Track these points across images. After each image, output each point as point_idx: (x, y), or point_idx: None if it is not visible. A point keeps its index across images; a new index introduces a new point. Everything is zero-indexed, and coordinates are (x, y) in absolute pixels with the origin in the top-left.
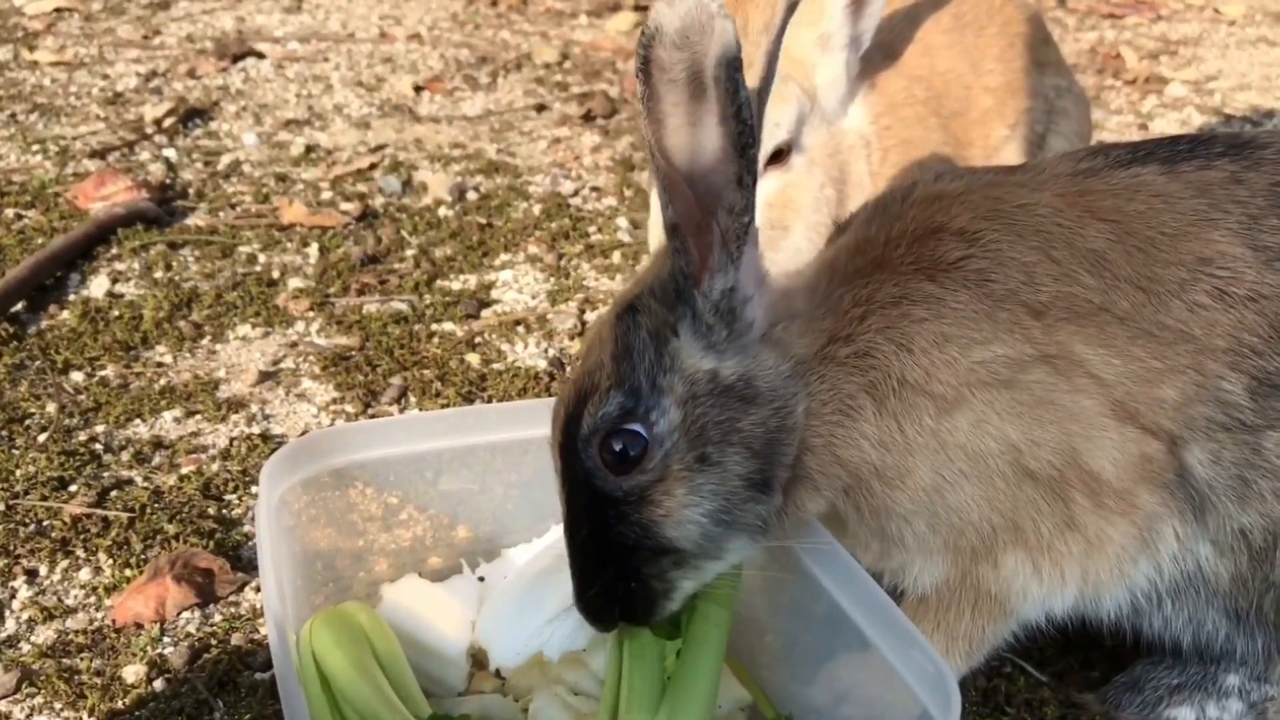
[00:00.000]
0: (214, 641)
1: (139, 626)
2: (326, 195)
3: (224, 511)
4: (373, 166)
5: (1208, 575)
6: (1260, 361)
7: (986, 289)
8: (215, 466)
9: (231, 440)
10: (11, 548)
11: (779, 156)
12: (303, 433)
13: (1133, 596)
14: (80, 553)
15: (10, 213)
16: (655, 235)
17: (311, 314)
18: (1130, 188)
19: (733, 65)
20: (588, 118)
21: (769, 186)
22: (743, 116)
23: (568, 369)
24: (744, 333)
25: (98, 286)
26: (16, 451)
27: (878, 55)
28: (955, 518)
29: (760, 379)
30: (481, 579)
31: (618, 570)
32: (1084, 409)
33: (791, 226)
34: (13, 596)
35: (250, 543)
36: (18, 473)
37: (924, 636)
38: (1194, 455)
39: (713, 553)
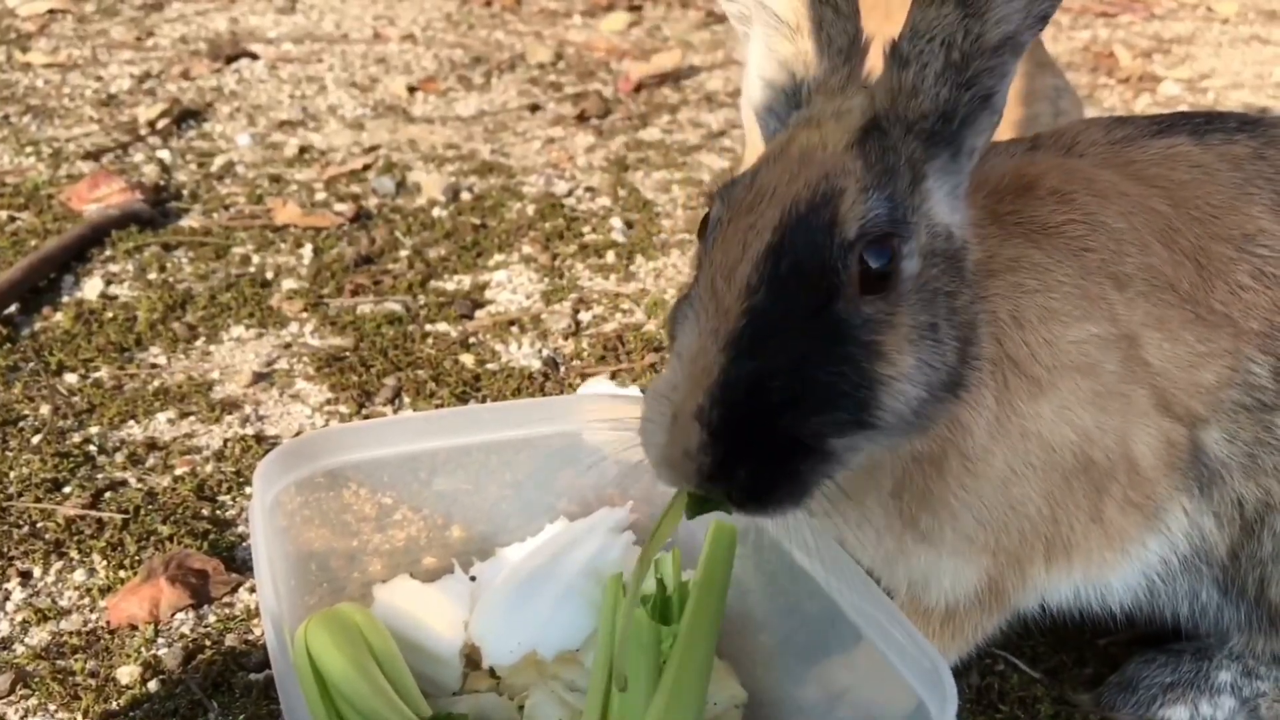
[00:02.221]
0: (208, 642)
1: (133, 628)
2: (320, 196)
3: (218, 512)
4: (366, 167)
5: (1211, 546)
6: None
7: (1083, 260)
8: (209, 468)
9: (225, 441)
10: (5, 549)
11: None
12: (297, 433)
13: (1147, 578)
14: (74, 554)
15: (3, 215)
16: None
17: (305, 315)
18: (1169, 158)
19: None
20: (582, 118)
21: None
22: None
23: (561, 369)
24: (967, 176)
25: (92, 288)
26: (10, 453)
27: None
28: (1009, 512)
29: (968, 256)
30: (473, 578)
31: (789, 417)
32: (1136, 398)
33: None
34: (7, 598)
35: (244, 544)
36: (11, 474)
37: (919, 630)
38: (1211, 435)
39: (881, 442)
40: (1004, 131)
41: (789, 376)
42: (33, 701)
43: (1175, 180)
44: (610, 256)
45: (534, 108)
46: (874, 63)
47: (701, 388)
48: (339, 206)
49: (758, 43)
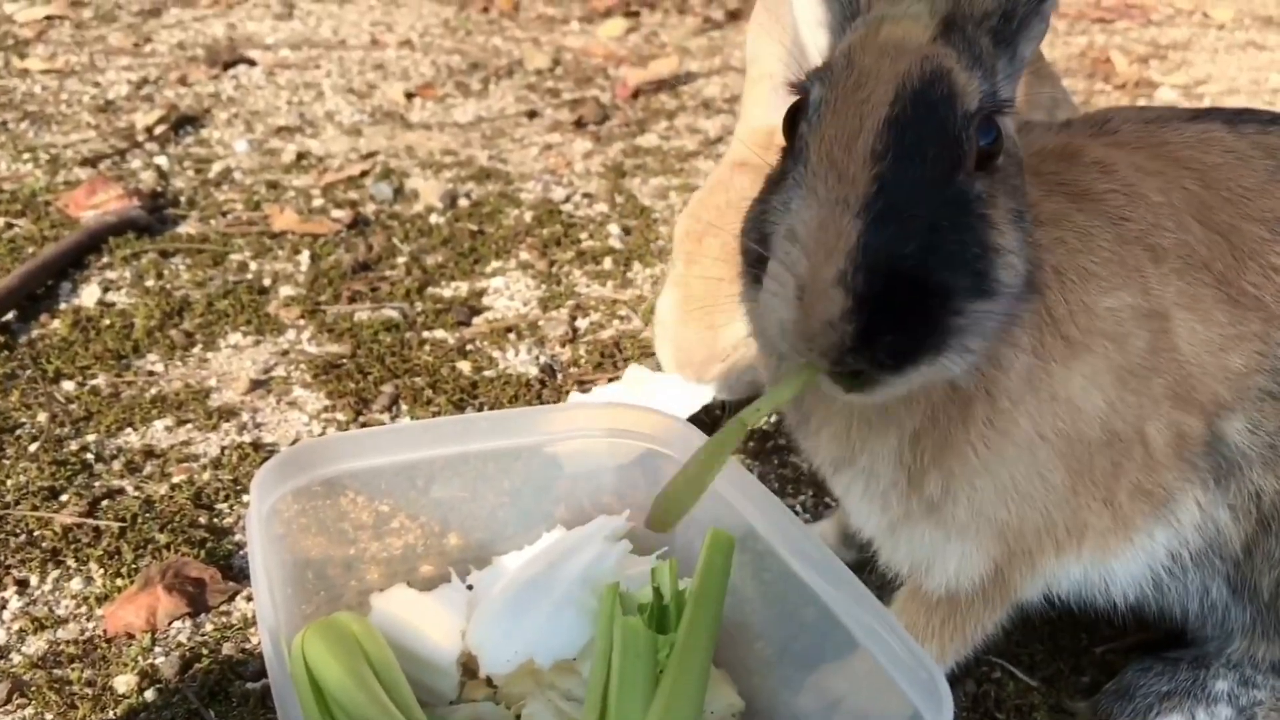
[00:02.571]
0: (205, 651)
1: (130, 636)
2: (318, 202)
3: (215, 520)
4: (364, 173)
5: (1226, 540)
6: None
7: (1123, 229)
8: (206, 475)
9: (223, 449)
10: (2, 558)
11: None
12: (294, 441)
13: (1154, 572)
14: (71, 562)
15: (1, 221)
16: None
17: (303, 321)
18: (1204, 141)
19: None
20: (579, 124)
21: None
22: None
23: (558, 375)
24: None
25: (89, 295)
26: (7, 461)
27: None
28: (1036, 481)
29: (1023, 170)
30: (470, 587)
31: (919, 298)
32: (1156, 384)
33: None
34: (3, 607)
35: (241, 552)
36: (8, 483)
37: (916, 636)
38: (1235, 425)
39: (1005, 294)
40: None
41: (924, 242)
42: (29, 711)
43: (1208, 163)
44: (607, 263)
45: (531, 114)
46: None
47: (840, 253)
48: (336, 213)
49: None
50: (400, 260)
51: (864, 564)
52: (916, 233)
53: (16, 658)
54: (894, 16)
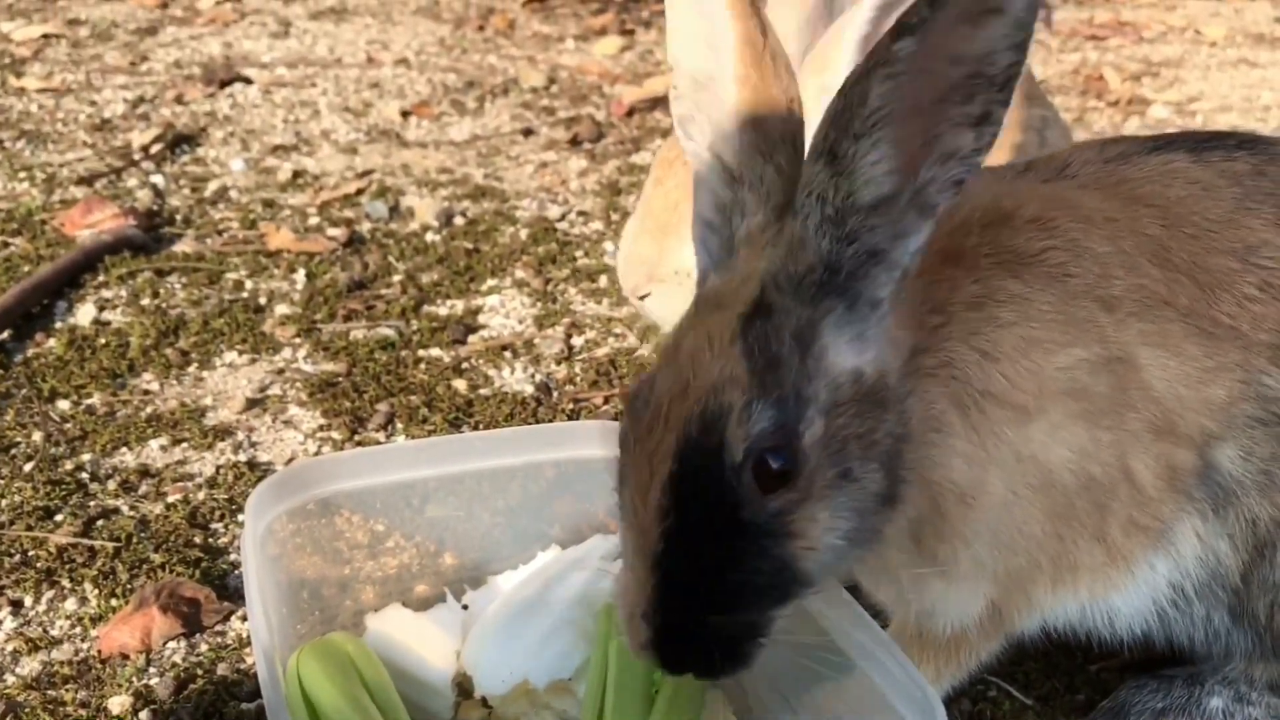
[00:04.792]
0: (200, 671)
1: (125, 657)
2: (314, 221)
3: (210, 540)
4: (360, 192)
5: (1227, 570)
6: None
7: (1067, 285)
8: (202, 495)
9: (218, 468)
10: None
11: None
12: (289, 460)
13: (1157, 604)
14: (66, 583)
15: None
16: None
17: (298, 340)
18: (1165, 174)
19: None
20: (574, 142)
21: None
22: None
23: (554, 394)
24: (882, 316)
25: (84, 314)
26: (2, 481)
27: None
28: (1016, 534)
29: (890, 374)
30: (465, 607)
31: (718, 614)
32: (1133, 420)
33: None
34: None
35: (236, 572)
36: (3, 502)
37: (913, 660)
38: (1226, 453)
39: (818, 583)
40: (994, 157)
41: (712, 586)
42: None
43: (1170, 197)
44: (603, 281)
45: (527, 132)
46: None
47: (641, 597)
48: (332, 231)
49: (700, 184)
50: (396, 278)
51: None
52: (701, 582)
53: (10, 679)
54: (720, 296)
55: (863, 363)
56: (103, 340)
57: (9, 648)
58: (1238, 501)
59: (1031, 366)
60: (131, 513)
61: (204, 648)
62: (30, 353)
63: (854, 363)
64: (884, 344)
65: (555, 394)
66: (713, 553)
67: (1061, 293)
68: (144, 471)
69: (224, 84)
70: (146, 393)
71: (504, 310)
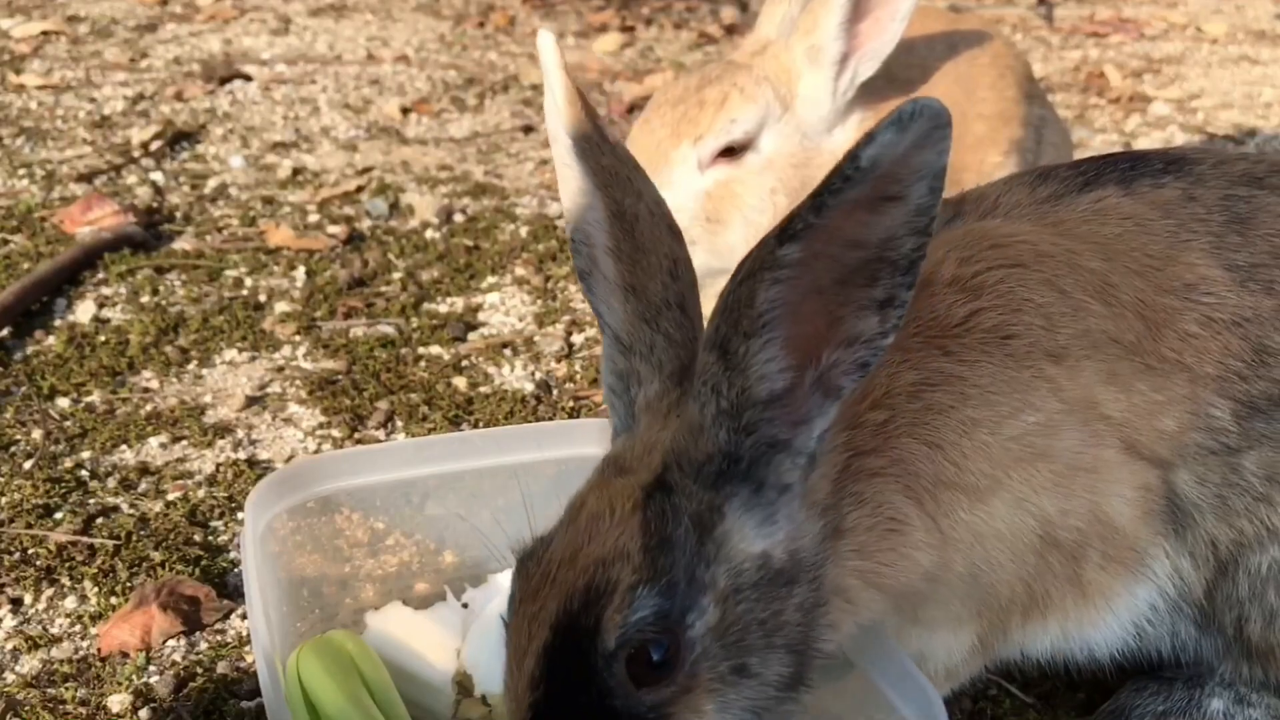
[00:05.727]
0: (200, 670)
1: (125, 655)
2: (313, 218)
3: (210, 538)
4: (360, 189)
5: (1190, 586)
6: (1245, 385)
7: (1007, 349)
8: (201, 493)
9: (218, 466)
10: None
11: (731, 153)
12: (289, 458)
13: (1137, 625)
14: (66, 581)
15: None
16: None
17: (298, 338)
18: (1098, 212)
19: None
20: None
21: (713, 178)
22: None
23: (554, 392)
24: (792, 498)
25: (84, 312)
26: (2, 479)
27: (879, 80)
28: (987, 593)
29: (804, 548)
30: (465, 605)
31: None
32: (1104, 459)
33: (730, 221)
34: None
35: (236, 570)
36: (3, 500)
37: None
38: (1181, 478)
39: None
40: (991, 152)
41: None
42: None
43: (1107, 235)
44: None
45: (527, 129)
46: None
47: None
48: (332, 228)
49: (604, 346)
50: (395, 276)
51: None
52: None
53: (10, 677)
54: (625, 459)
55: (771, 545)
56: (102, 338)
57: (9, 646)
58: (1195, 524)
59: (978, 445)
60: (131, 511)
61: (204, 646)
62: (30, 350)
63: (761, 546)
64: (797, 517)
65: (555, 392)
66: None
67: (1002, 359)
68: (144, 469)
69: (224, 81)
70: (146, 390)
71: (504, 308)
